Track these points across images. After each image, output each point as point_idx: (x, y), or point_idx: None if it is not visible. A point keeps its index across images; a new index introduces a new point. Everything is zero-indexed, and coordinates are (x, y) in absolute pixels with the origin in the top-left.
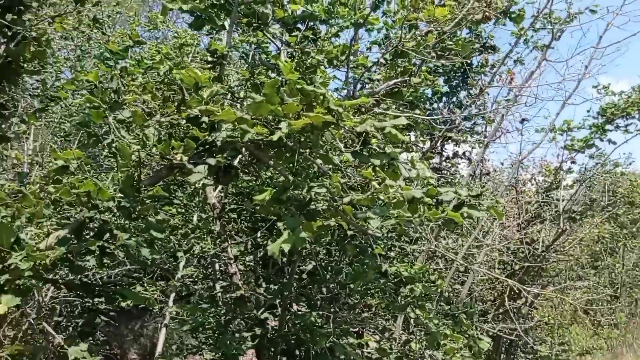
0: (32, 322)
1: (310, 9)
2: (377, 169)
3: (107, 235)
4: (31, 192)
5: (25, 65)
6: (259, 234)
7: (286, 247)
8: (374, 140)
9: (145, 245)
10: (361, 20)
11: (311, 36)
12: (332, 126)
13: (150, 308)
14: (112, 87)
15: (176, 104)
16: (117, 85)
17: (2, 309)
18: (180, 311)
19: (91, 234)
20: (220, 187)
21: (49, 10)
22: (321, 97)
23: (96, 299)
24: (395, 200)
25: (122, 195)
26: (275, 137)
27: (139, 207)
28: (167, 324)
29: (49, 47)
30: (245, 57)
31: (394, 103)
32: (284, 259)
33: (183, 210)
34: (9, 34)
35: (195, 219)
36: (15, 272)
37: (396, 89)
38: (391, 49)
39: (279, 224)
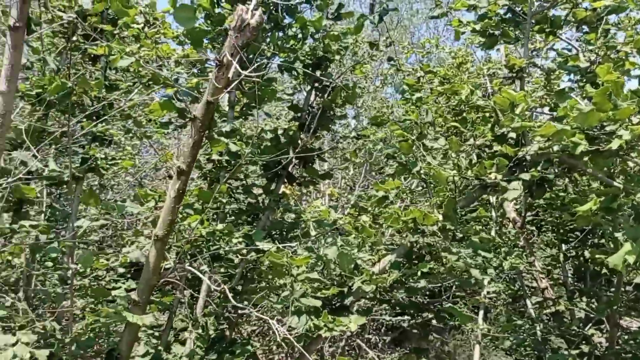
0: (347, 339)
1: (617, 2)
2: None
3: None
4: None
5: (334, 111)
6: (565, 246)
7: (631, 259)
8: None
9: (473, 265)
10: None
11: (610, 27)
12: None
13: (456, 324)
14: (428, 120)
15: (489, 125)
16: (432, 119)
17: (353, 327)
18: (491, 328)
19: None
20: (514, 200)
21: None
22: None
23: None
24: None
25: (445, 219)
26: (614, 145)
27: (461, 228)
28: (479, 341)
29: (355, 92)
30: (534, 64)
31: None
32: (604, 270)
33: (480, 227)
34: (320, 87)
35: (493, 233)
36: (357, 294)
37: None
38: None
39: (618, 235)
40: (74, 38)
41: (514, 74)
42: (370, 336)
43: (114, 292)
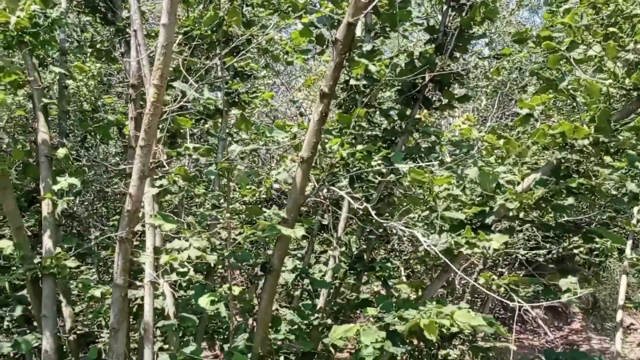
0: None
1: None
2: None
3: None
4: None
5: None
6: None
7: None
8: None
9: (629, 179)
10: None
11: None
12: None
13: (597, 261)
14: (584, 23)
15: None
16: (587, 22)
17: (495, 244)
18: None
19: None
20: None
21: None
22: None
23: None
24: None
25: (598, 132)
26: None
27: (615, 142)
28: (627, 271)
29: (496, 7)
30: None
31: None
32: None
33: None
34: (457, 6)
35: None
36: (499, 212)
37: None
38: None
39: None
40: None
41: None
42: (503, 270)
43: (265, 211)
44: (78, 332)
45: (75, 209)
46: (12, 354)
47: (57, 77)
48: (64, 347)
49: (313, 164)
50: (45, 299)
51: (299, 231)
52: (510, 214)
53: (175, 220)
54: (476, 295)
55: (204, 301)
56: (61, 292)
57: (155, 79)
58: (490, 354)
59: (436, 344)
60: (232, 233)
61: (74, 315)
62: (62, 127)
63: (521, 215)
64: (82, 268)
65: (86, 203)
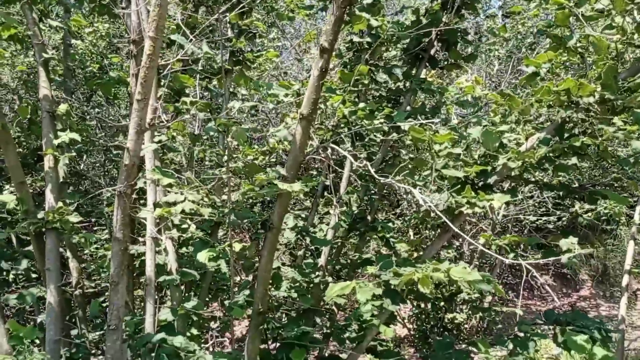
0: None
1: None
2: None
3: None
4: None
5: None
6: None
7: None
8: None
9: (635, 137)
10: None
11: None
12: None
13: (607, 228)
14: None
15: None
16: None
17: (497, 204)
18: None
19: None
20: None
21: None
22: None
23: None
24: None
25: (604, 89)
26: None
27: (621, 100)
28: (635, 237)
29: None
30: None
31: None
32: None
33: None
34: None
35: None
36: (501, 172)
37: None
38: None
39: None
40: None
41: None
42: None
43: (266, 170)
44: (87, 287)
45: (83, 167)
46: (27, 308)
47: (63, 35)
48: (72, 301)
49: (317, 124)
50: (48, 253)
51: (296, 186)
52: (513, 173)
53: (173, 175)
54: (484, 261)
55: (202, 256)
56: (67, 246)
57: (150, 31)
58: (498, 318)
59: (443, 308)
60: (232, 191)
61: (80, 270)
62: (67, 84)
63: (530, 176)
64: (95, 228)
65: (97, 164)
